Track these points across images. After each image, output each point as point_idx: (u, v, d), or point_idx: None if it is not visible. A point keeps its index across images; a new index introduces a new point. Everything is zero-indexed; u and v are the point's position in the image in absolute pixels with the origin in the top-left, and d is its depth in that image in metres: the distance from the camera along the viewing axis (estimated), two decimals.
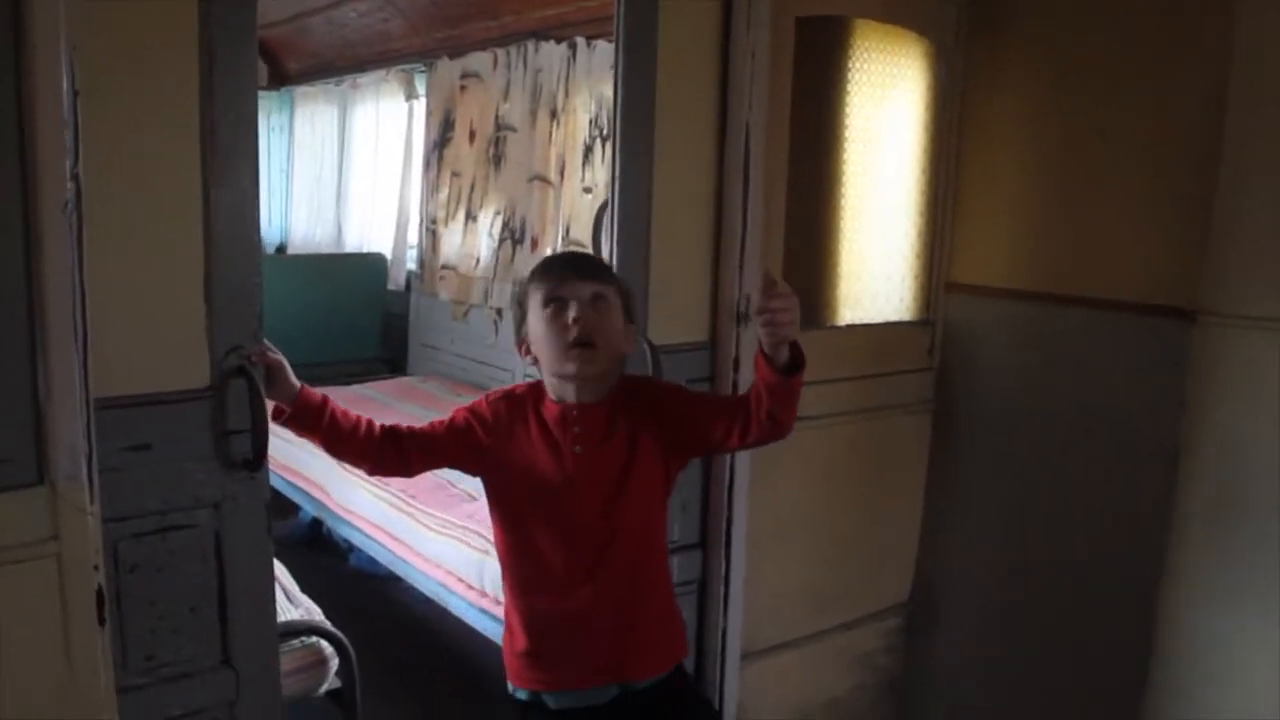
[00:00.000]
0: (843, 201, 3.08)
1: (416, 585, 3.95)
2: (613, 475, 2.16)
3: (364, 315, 6.75)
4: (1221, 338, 2.69)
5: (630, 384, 2.22)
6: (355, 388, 5.81)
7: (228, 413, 2.08)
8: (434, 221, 6.19)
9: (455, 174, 5.96)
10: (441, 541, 3.74)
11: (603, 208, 2.73)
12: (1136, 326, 2.85)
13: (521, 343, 2.20)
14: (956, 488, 3.29)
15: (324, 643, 2.80)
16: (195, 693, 2.13)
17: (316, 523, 5.17)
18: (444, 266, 6.11)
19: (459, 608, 3.64)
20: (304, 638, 2.78)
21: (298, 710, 2.80)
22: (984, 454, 3.24)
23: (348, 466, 4.30)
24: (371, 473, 2.37)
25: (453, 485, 4.13)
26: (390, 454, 2.25)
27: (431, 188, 6.21)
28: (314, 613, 2.95)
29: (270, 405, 2.14)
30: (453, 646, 4.28)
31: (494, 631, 3.44)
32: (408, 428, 2.28)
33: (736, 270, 2.78)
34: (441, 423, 2.27)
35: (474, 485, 4.02)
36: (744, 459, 2.86)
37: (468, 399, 5.15)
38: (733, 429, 2.07)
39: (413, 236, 6.59)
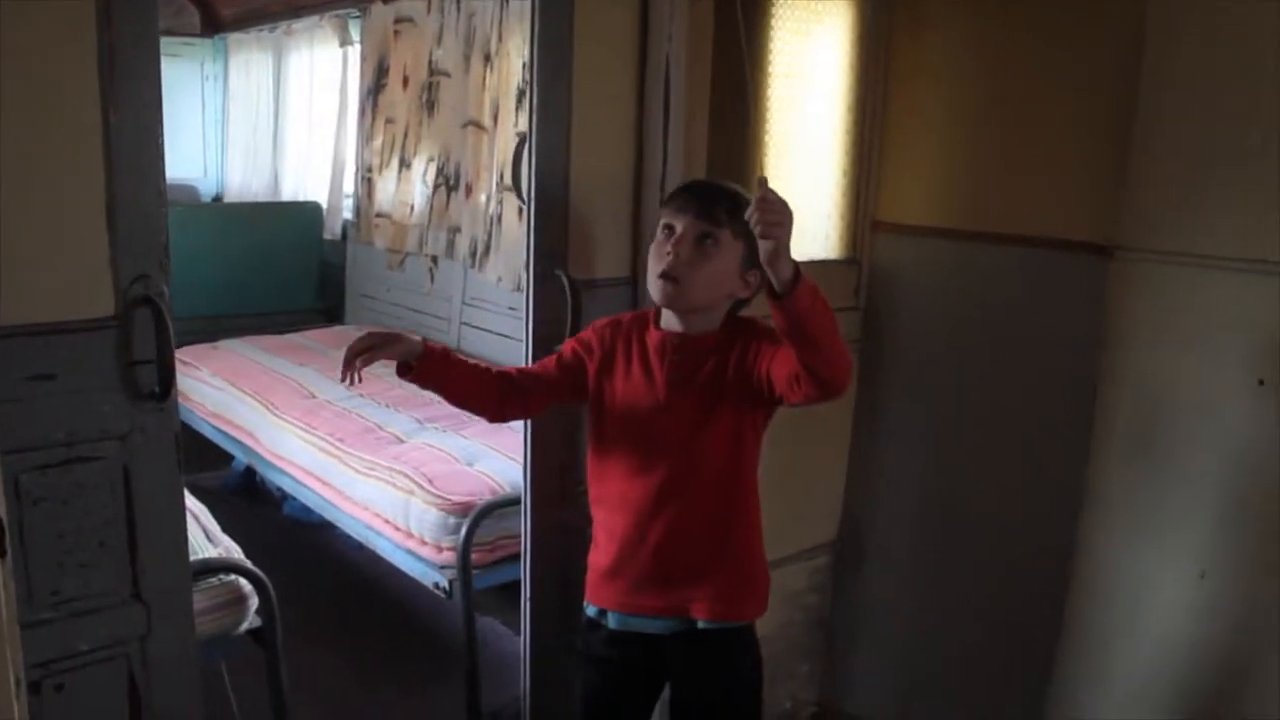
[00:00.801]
0: (767, 139, 3.06)
1: (345, 529, 3.94)
2: (700, 409, 2.19)
3: (300, 265, 6.70)
4: (1136, 273, 2.71)
5: (738, 324, 2.23)
6: (290, 336, 5.79)
7: (133, 342, 2.05)
8: (369, 169, 6.14)
9: (389, 121, 5.90)
10: (368, 484, 3.72)
11: (521, 143, 2.70)
12: (1056, 263, 2.86)
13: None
14: (882, 427, 3.30)
15: (243, 581, 2.78)
16: (104, 627, 2.10)
17: (250, 472, 5.13)
18: (379, 215, 6.06)
19: (386, 549, 3.64)
20: (222, 575, 2.76)
21: (219, 647, 2.80)
22: (909, 392, 3.25)
23: (278, 411, 4.33)
24: (493, 419, 2.40)
25: (381, 429, 4.11)
26: (511, 398, 2.30)
27: (366, 135, 6.15)
28: (233, 552, 2.92)
29: (394, 364, 2.18)
30: (384, 591, 4.30)
31: (420, 572, 3.45)
32: (518, 370, 2.37)
33: (657, 206, 2.76)
34: (553, 359, 2.33)
35: (402, 428, 4.06)
36: None
37: None
38: (792, 382, 2.05)
39: (349, 185, 6.52)
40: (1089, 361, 2.80)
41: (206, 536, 2.96)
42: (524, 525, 2.84)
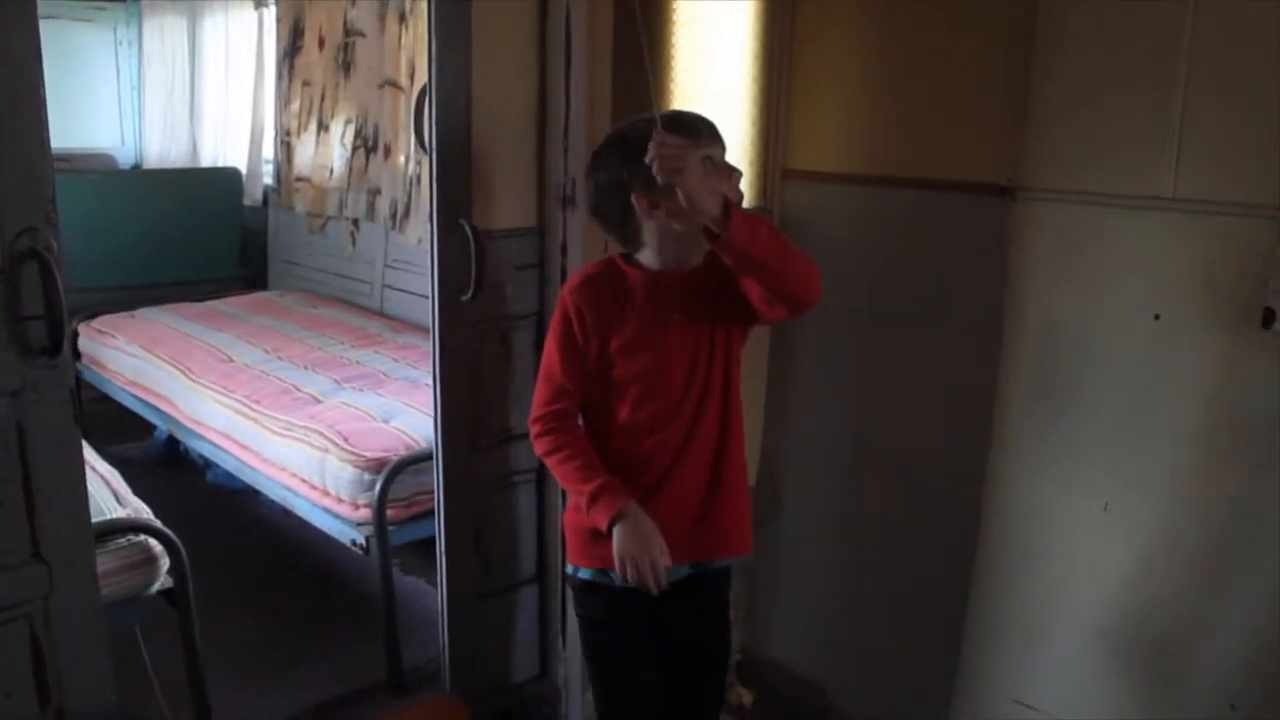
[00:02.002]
0: (673, 86, 3.06)
1: (264, 490, 3.92)
2: (704, 341, 2.21)
3: (220, 232, 6.62)
4: (1037, 212, 2.73)
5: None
6: (210, 303, 5.73)
7: (21, 297, 2.02)
8: (288, 133, 6.06)
9: (306, 83, 5.83)
10: (285, 445, 3.69)
11: (423, 92, 2.68)
12: (962, 204, 2.87)
13: (647, 197, 2.12)
14: (797, 375, 3.32)
15: (153, 541, 2.76)
16: (5, 587, 2.09)
17: (172, 441, 5.09)
18: (299, 179, 6.00)
19: (304, 509, 3.63)
20: (131, 536, 2.74)
21: (130, 608, 2.78)
22: (823, 338, 3.26)
23: (195, 376, 4.29)
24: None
25: (298, 390, 4.09)
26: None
27: (283, 99, 6.07)
28: (143, 513, 2.90)
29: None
30: (306, 553, 4.30)
31: (337, 530, 3.45)
32: (573, 405, 2.27)
33: (561, 154, 2.76)
34: (570, 369, 2.24)
35: (320, 388, 4.04)
36: None
37: (326, 312, 5.21)
38: (764, 304, 2.11)
39: (269, 150, 6.45)
40: (995, 302, 2.83)
41: (116, 499, 2.93)
42: (436, 479, 2.84)
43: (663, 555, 2.12)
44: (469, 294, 2.68)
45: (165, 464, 5.28)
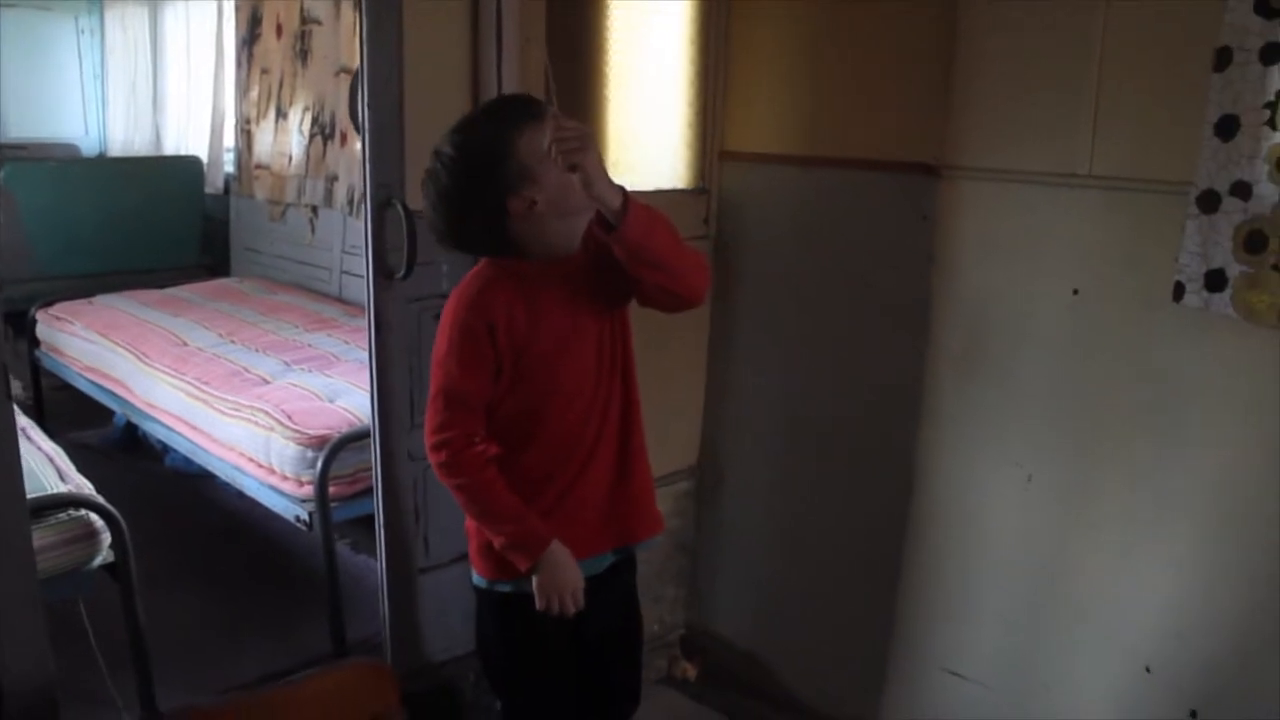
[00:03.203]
0: (608, 69, 3.12)
1: (214, 470, 3.98)
2: (606, 326, 2.18)
3: (182, 220, 6.68)
4: (962, 190, 2.79)
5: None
6: (169, 290, 5.76)
7: None
8: (247, 121, 6.13)
9: (265, 71, 5.89)
10: (233, 424, 3.75)
11: (356, 76, 2.72)
12: (890, 183, 2.93)
13: (523, 196, 2.02)
14: (736, 352, 3.38)
15: (94, 516, 2.81)
16: None
17: (131, 427, 5.14)
18: (258, 166, 6.07)
19: (252, 487, 3.68)
20: (71, 510, 2.79)
21: (72, 582, 2.83)
22: (760, 317, 3.32)
23: (149, 360, 4.33)
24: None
25: (248, 371, 4.14)
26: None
27: (243, 87, 6.13)
28: (85, 489, 2.94)
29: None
30: (258, 534, 4.36)
31: (282, 506, 3.50)
32: (477, 426, 2.16)
33: None
34: (479, 389, 2.13)
35: (269, 370, 4.09)
36: None
37: (284, 298, 5.25)
38: (648, 297, 2.13)
39: (230, 139, 6.49)
40: (923, 277, 2.89)
41: (60, 476, 2.98)
42: (374, 454, 2.89)
43: (580, 579, 2.16)
44: (402, 272, 2.72)
45: (124, 449, 5.32)
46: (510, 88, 2.77)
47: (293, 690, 2.12)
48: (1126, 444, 2.58)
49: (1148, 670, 2.60)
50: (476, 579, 2.31)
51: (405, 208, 2.70)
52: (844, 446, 3.17)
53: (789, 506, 3.32)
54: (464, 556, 2.99)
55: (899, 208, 2.93)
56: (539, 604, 2.15)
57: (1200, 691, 2.53)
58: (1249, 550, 2.41)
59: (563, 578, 2.14)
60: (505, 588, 2.24)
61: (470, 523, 2.26)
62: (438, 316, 2.78)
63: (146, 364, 4.42)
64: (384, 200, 2.72)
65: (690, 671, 3.55)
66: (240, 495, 4.02)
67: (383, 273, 2.75)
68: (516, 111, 2.05)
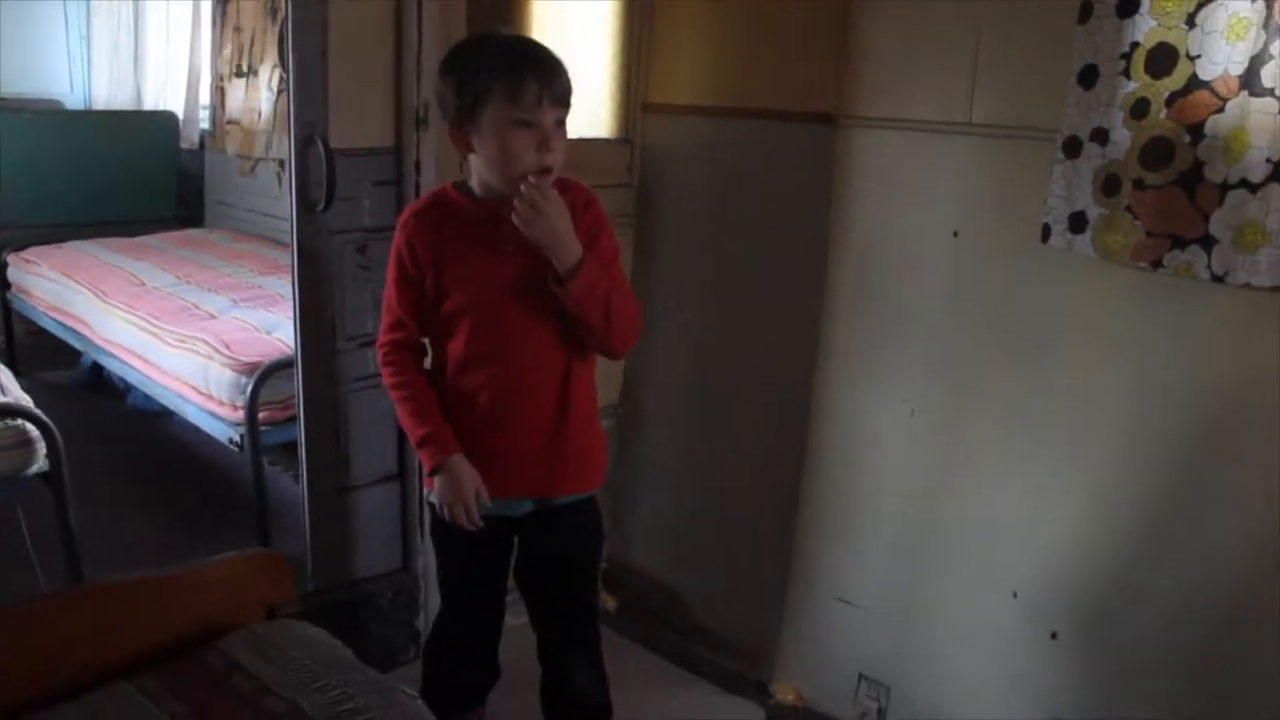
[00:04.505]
0: (533, 25, 3.26)
1: (160, 399, 4.16)
2: (539, 270, 2.17)
3: (157, 174, 6.80)
4: (856, 138, 2.93)
5: (564, 187, 2.21)
6: (140, 237, 5.91)
7: None
8: (221, 78, 6.27)
9: (237, 29, 6.04)
10: (177, 354, 3.93)
11: (285, 20, 2.86)
12: (795, 133, 3.06)
13: (460, 133, 2.17)
14: (655, 296, 3.49)
15: (30, 426, 2.97)
16: None
17: (97, 368, 5.30)
18: (230, 121, 6.22)
19: (193, 414, 3.87)
20: (7, 420, 2.95)
21: (9, 487, 3.02)
22: (677, 262, 3.44)
23: (107, 298, 4.49)
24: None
25: (197, 308, 4.31)
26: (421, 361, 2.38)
27: (217, 45, 6.27)
28: (24, 401, 3.11)
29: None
30: (200, 463, 4.61)
31: (218, 430, 3.68)
32: (409, 336, 2.34)
33: (415, 78, 2.94)
34: (405, 302, 2.30)
35: (216, 306, 4.24)
36: None
37: (247, 246, 5.39)
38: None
39: (205, 96, 6.63)
40: (823, 220, 3.03)
41: (1, 390, 3.13)
42: (297, 378, 3.04)
43: (481, 499, 2.27)
44: (323, 205, 2.87)
45: (91, 390, 5.52)
46: (431, 35, 2.91)
47: (189, 574, 2.23)
48: (1000, 379, 2.73)
49: (1015, 595, 2.76)
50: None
51: (326, 144, 2.84)
52: (751, 386, 3.31)
53: (702, 444, 3.46)
54: (386, 478, 3.18)
55: (802, 156, 3.06)
56: (437, 509, 2.32)
57: (1060, 615, 2.68)
58: (1106, 479, 2.57)
59: (457, 490, 2.25)
60: (431, 497, 2.39)
61: None
62: (362, 249, 2.98)
63: (105, 301, 4.59)
64: (307, 137, 2.86)
65: (610, 603, 3.68)
66: (196, 430, 4.17)
67: (305, 205, 2.89)
68: (508, 70, 2.11)
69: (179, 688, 1.98)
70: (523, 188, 2.08)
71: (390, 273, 2.31)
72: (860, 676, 3.13)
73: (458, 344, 2.26)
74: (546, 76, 2.14)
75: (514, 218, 2.09)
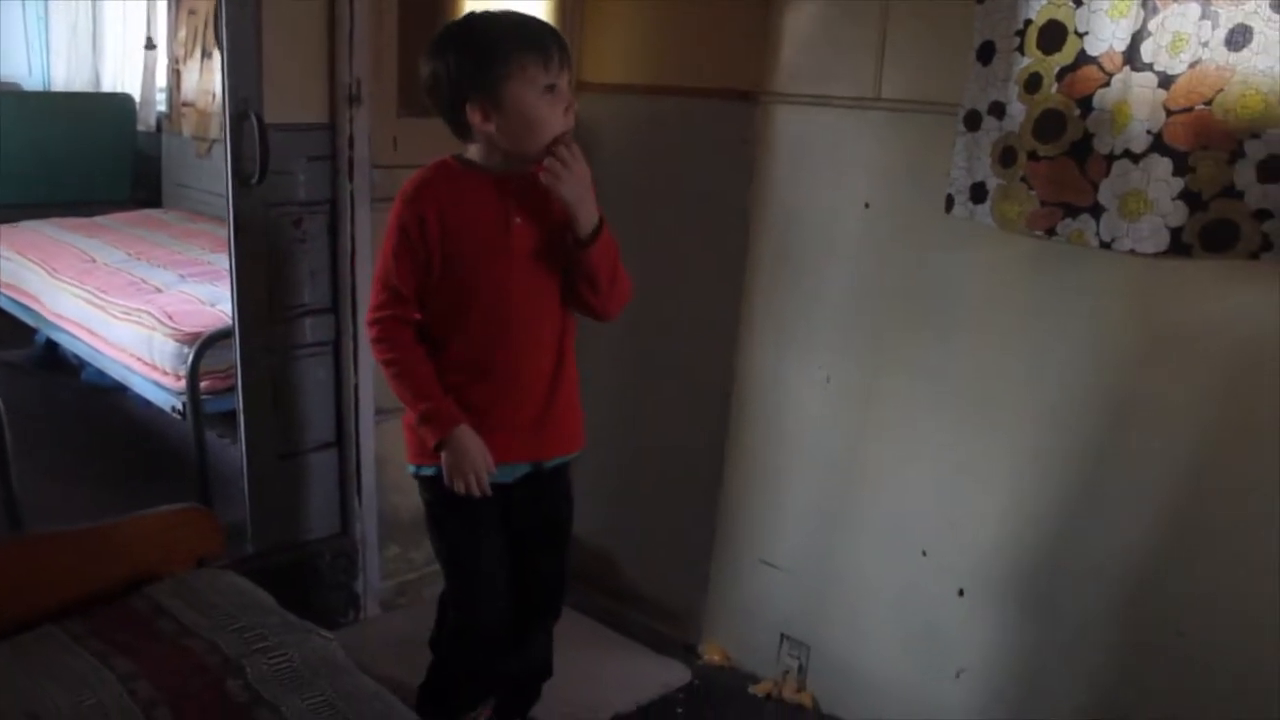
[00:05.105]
0: (465, 1, 3.34)
1: (108, 371, 4.25)
2: (544, 245, 2.28)
3: (114, 156, 6.84)
4: (775, 114, 3.04)
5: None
6: (96, 218, 5.98)
7: None
8: (176, 60, 6.32)
9: (191, 12, 6.09)
10: (123, 326, 4.03)
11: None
12: (717, 109, 3.16)
13: (477, 107, 2.18)
14: None
15: None
16: None
17: (52, 345, 5.36)
18: (185, 103, 6.27)
19: (139, 385, 3.96)
20: None
21: None
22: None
23: (57, 274, 4.57)
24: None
25: (144, 282, 4.40)
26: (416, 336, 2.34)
27: (172, 27, 6.32)
28: None
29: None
30: (148, 434, 4.67)
31: (162, 399, 3.78)
32: (407, 311, 2.32)
33: (347, 56, 3.02)
34: (405, 277, 2.28)
35: (163, 281, 4.33)
36: (363, 229, 3.14)
37: (201, 225, 5.46)
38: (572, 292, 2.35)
39: (163, 79, 6.69)
40: (743, 196, 3.14)
41: None
42: (235, 346, 3.13)
43: (488, 467, 2.30)
44: (257, 179, 2.96)
45: (46, 367, 5.58)
46: (363, 13, 3.00)
47: (120, 526, 2.32)
48: (908, 345, 2.85)
49: (923, 554, 2.88)
50: (409, 466, 2.48)
51: (259, 119, 2.93)
52: (679, 355, 3.42)
53: (634, 411, 3.56)
54: (325, 445, 3.27)
55: (724, 132, 3.16)
56: (446, 481, 2.31)
57: (967, 571, 2.81)
58: (1009, 441, 2.69)
59: (467, 459, 2.28)
60: (428, 471, 2.39)
61: (407, 415, 2.39)
62: (297, 223, 3.07)
63: (55, 277, 4.68)
64: (241, 112, 2.94)
65: None
66: (148, 405, 4.25)
67: (240, 179, 2.99)
68: (533, 40, 2.18)
69: (103, 630, 2.08)
70: (557, 149, 2.15)
71: (389, 246, 2.29)
72: (782, 636, 3.25)
73: (471, 316, 2.29)
74: (561, 43, 2.23)
75: (544, 177, 2.15)
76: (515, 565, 2.56)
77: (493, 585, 2.52)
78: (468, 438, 2.28)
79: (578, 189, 2.19)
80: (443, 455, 2.30)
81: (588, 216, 2.22)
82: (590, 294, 2.32)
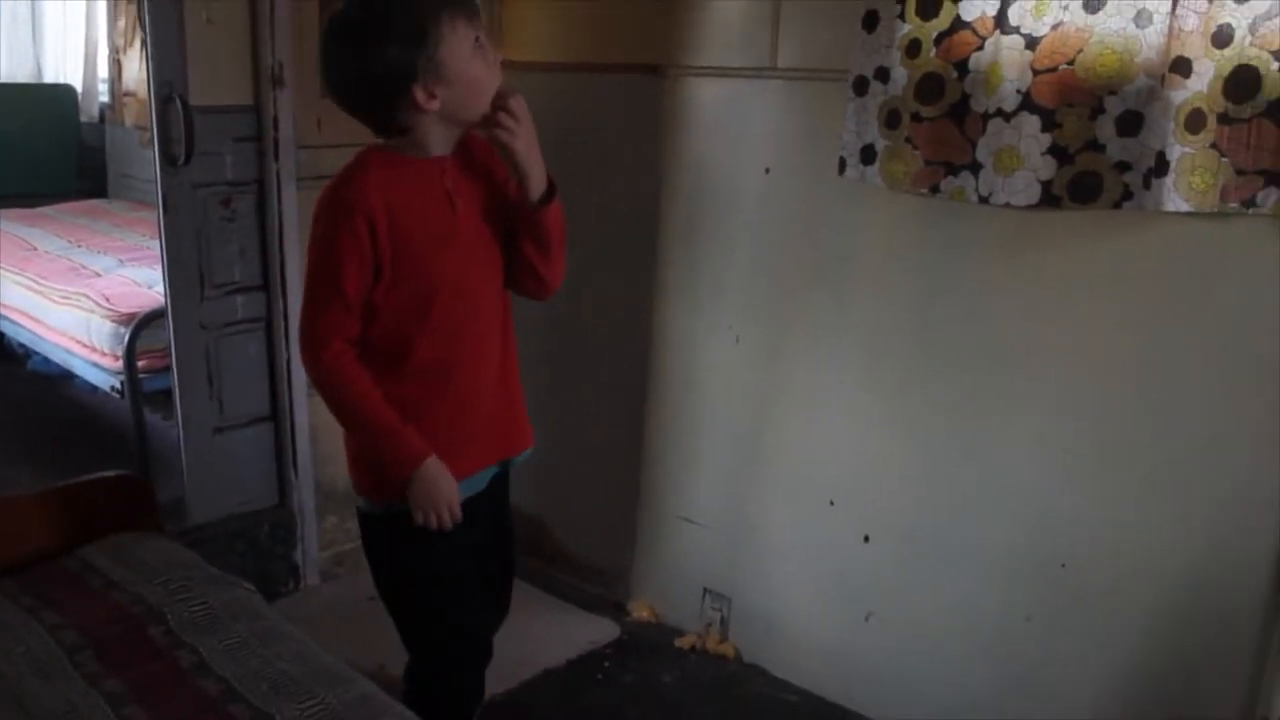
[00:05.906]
0: None
1: (50, 356, 4.35)
2: (485, 224, 2.13)
3: (58, 148, 6.84)
4: (681, 86, 3.17)
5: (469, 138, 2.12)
6: (40, 209, 6.05)
7: None
8: (117, 50, 6.36)
9: (130, 0, 6.13)
10: (62, 310, 4.15)
11: None
12: (629, 83, 3.29)
13: (424, 87, 1.94)
14: None
15: None
16: None
17: None
18: (126, 93, 6.29)
19: (80, 367, 4.08)
20: None
21: None
22: None
23: None
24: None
25: (84, 268, 4.49)
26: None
27: (112, 17, 6.37)
28: None
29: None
30: (92, 417, 4.78)
31: (101, 380, 3.92)
32: (356, 329, 2.06)
33: (269, 38, 3.12)
34: (359, 288, 2.02)
35: (103, 266, 4.42)
36: (290, 209, 3.25)
37: (144, 214, 5.53)
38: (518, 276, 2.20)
39: (104, 69, 6.73)
40: (656, 166, 3.27)
41: None
42: (168, 324, 3.24)
43: (454, 492, 2.10)
44: (183, 160, 3.06)
45: None
46: None
47: (54, 492, 2.42)
48: (809, 303, 2.99)
49: (831, 504, 3.03)
50: (360, 502, 2.24)
51: (184, 102, 3.03)
52: (603, 322, 3.54)
53: (564, 380, 3.67)
54: (259, 419, 3.37)
55: (637, 105, 3.29)
56: (416, 518, 2.09)
57: (871, 519, 2.96)
58: (902, 391, 2.84)
59: (437, 491, 2.07)
60: (392, 508, 2.14)
61: (351, 445, 2.20)
62: (226, 203, 3.17)
63: None
64: (166, 95, 3.04)
65: None
66: (94, 390, 4.34)
67: (168, 160, 3.08)
68: None
69: (34, 587, 2.20)
70: (506, 104, 1.98)
71: (335, 253, 2.00)
72: (704, 590, 3.39)
73: (430, 312, 2.07)
74: None
75: (499, 135, 1.99)
76: (487, 561, 2.45)
77: (474, 593, 2.38)
78: (435, 467, 2.07)
79: (530, 140, 2.03)
80: (411, 488, 2.07)
81: (540, 174, 2.06)
82: (542, 262, 2.15)
